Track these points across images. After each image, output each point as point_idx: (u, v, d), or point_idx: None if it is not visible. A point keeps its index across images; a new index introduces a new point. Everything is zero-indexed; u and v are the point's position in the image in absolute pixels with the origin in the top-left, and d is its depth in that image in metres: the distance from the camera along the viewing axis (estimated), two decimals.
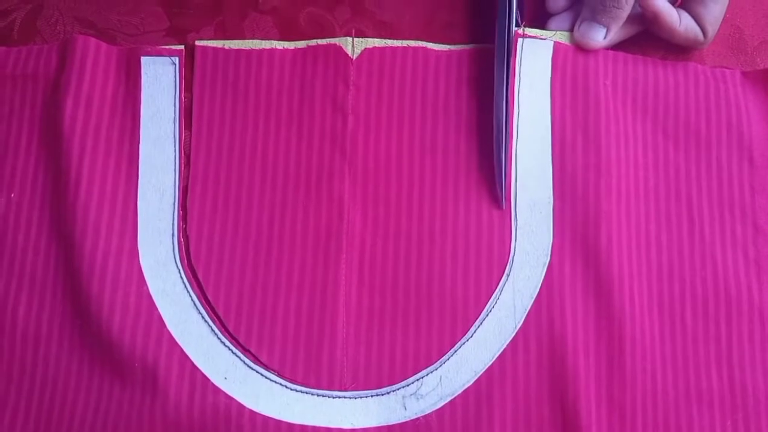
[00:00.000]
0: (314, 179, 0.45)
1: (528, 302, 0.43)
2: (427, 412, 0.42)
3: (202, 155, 0.46)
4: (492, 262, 0.44)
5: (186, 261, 0.44)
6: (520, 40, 0.46)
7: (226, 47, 0.47)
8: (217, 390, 0.42)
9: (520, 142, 0.45)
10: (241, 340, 0.43)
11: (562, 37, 0.47)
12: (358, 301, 0.44)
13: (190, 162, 0.46)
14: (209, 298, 0.43)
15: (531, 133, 0.46)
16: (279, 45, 0.47)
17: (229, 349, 0.43)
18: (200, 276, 0.44)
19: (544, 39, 0.47)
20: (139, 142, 0.46)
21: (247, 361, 0.43)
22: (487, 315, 0.43)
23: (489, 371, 0.42)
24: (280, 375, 0.42)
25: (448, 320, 0.43)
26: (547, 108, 0.46)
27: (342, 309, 0.43)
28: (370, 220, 0.45)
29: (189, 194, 0.45)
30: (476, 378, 0.42)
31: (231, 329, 0.43)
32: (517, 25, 0.46)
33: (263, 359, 0.43)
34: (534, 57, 0.46)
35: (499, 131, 0.44)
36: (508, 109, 0.45)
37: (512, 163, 0.45)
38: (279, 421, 0.41)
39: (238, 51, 0.47)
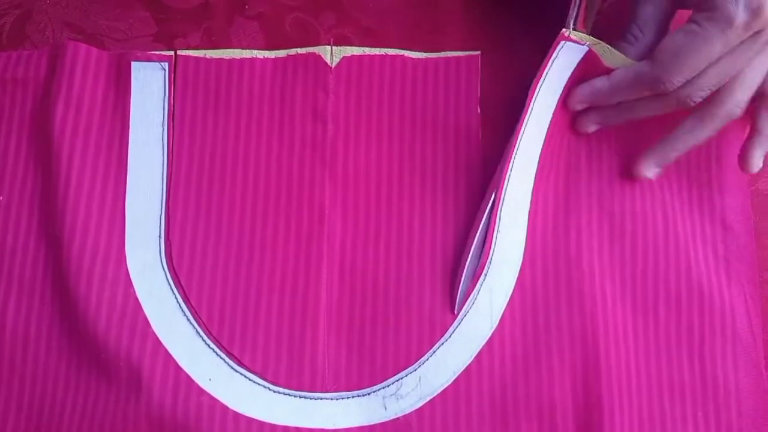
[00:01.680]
0: (295, 186, 0.46)
1: (503, 302, 0.44)
2: (408, 411, 0.43)
3: (184, 163, 0.46)
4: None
5: (172, 264, 0.45)
6: (562, 42, 0.44)
7: (208, 56, 0.48)
8: (201, 391, 0.42)
9: (524, 139, 0.45)
10: (224, 344, 0.44)
11: (600, 47, 0.44)
12: (338, 305, 0.44)
13: (173, 170, 0.46)
14: (192, 302, 0.44)
15: (533, 132, 0.45)
16: (259, 54, 0.48)
17: (214, 351, 0.43)
18: (183, 281, 0.44)
19: (583, 44, 0.44)
20: (128, 146, 0.46)
21: (231, 363, 0.43)
22: (465, 316, 0.44)
23: (467, 371, 0.43)
24: (262, 377, 0.43)
25: (427, 322, 0.44)
26: (551, 110, 0.45)
27: (323, 312, 0.44)
28: (350, 225, 0.46)
29: (171, 202, 0.46)
30: (455, 378, 0.43)
31: (214, 333, 0.44)
32: (567, 27, 0.45)
33: (246, 362, 0.43)
34: (565, 60, 0.45)
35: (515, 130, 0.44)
36: (524, 108, 0.44)
37: (509, 163, 0.45)
38: (262, 423, 0.42)
39: (219, 60, 0.48)
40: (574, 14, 0.45)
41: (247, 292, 0.44)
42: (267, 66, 0.48)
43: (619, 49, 0.44)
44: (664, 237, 0.46)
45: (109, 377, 0.43)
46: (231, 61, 0.48)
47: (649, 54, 0.42)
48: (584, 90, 0.44)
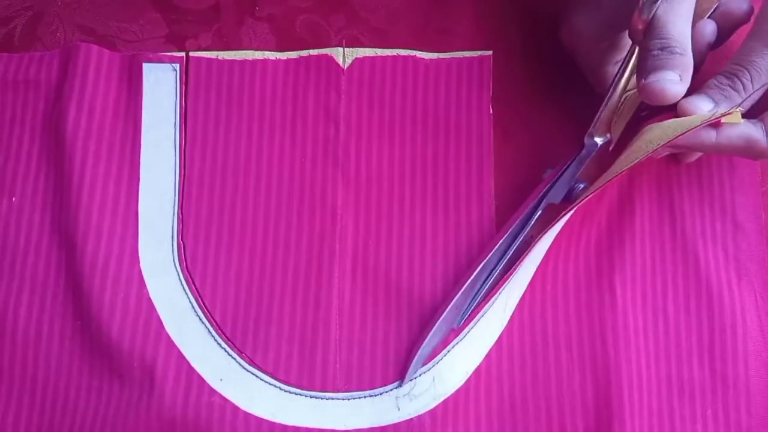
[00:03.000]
0: (308, 186, 0.46)
1: (514, 302, 0.44)
2: (421, 412, 0.42)
3: (197, 164, 0.46)
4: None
5: (185, 264, 0.45)
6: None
7: (220, 58, 0.48)
8: (212, 391, 0.42)
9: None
10: (236, 344, 0.44)
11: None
12: (350, 305, 0.44)
13: (186, 170, 0.46)
14: (206, 302, 0.44)
15: None
16: (271, 55, 0.48)
17: (226, 351, 0.43)
18: (196, 281, 0.45)
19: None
20: (140, 147, 0.47)
21: (242, 363, 0.43)
22: (482, 316, 0.43)
23: (477, 371, 0.43)
24: (274, 377, 0.43)
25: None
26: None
27: (335, 312, 0.44)
28: (362, 225, 0.46)
29: (184, 202, 0.46)
30: (468, 377, 0.43)
31: (227, 333, 0.44)
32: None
33: (258, 362, 0.43)
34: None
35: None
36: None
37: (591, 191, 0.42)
38: (273, 423, 0.42)
39: (232, 61, 0.48)
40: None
41: (260, 292, 0.44)
42: (279, 67, 0.48)
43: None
44: (674, 235, 0.46)
45: (122, 377, 0.43)
46: (243, 62, 0.48)
47: (753, 108, 0.41)
48: (687, 135, 0.40)
